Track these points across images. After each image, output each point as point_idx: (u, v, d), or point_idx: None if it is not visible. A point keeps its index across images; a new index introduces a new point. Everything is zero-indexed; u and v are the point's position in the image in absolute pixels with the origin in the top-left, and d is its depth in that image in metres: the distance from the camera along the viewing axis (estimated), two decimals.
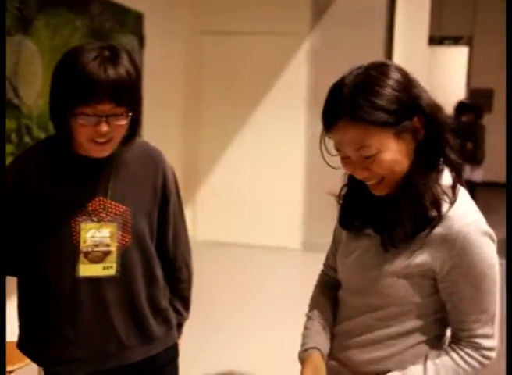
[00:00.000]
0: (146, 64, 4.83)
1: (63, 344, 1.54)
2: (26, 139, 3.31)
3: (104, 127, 1.36)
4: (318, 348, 1.37)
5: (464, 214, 1.21)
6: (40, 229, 1.49)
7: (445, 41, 9.51)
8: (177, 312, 1.74)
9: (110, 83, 1.33)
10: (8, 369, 2.21)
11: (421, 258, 1.23)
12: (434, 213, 1.20)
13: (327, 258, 1.54)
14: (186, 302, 1.78)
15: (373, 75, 1.19)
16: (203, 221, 6.00)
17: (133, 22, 4.62)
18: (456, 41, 9.73)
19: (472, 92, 9.64)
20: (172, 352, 1.74)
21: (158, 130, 5.30)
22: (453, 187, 1.23)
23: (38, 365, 1.66)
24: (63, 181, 1.49)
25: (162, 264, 1.67)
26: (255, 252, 5.67)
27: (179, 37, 5.63)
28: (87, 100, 1.32)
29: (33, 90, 3.35)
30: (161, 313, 1.68)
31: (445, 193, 1.22)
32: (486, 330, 1.23)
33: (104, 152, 1.45)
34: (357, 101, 1.16)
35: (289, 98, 5.70)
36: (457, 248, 1.20)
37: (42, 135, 3.36)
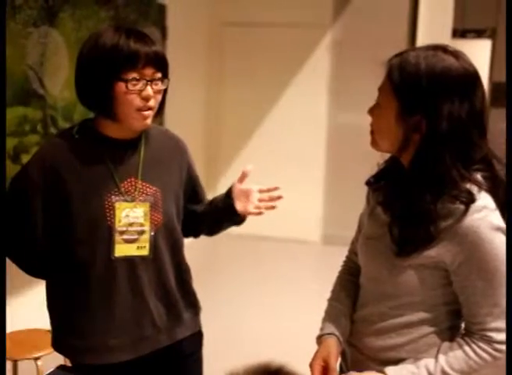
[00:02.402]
0: (168, 55, 4.84)
1: (99, 332, 1.55)
2: (52, 130, 3.35)
3: (150, 90, 1.46)
4: (334, 334, 1.41)
5: (476, 209, 1.21)
6: (75, 213, 1.51)
7: (468, 33, 9.39)
8: None
9: (152, 51, 1.45)
10: (35, 355, 2.25)
11: (434, 250, 1.24)
12: (444, 209, 1.22)
13: (352, 244, 1.57)
14: None
15: (430, 48, 1.25)
16: None
17: (156, 13, 4.64)
18: (479, 33, 9.61)
19: (495, 86, 9.52)
20: (198, 341, 1.78)
21: (181, 121, 5.32)
22: (468, 192, 1.22)
23: (74, 362, 1.64)
24: (94, 163, 1.52)
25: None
26: (275, 245, 5.68)
27: (201, 29, 5.64)
28: (135, 64, 1.43)
29: (58, 81, 3.39)
30: (189, 296, 1.72)
31: (462, 193, 1.22)
32: (499, 324, 1.24)
33: (146, 122, 1.51)
34: (396, 61, 1.25)
35: (311, 90, 5.68)
36: (468, 242, 1.21)
37: (67, 126, 3.39)
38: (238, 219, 1.70)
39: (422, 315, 1.32)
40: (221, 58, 5.93)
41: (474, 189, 1.23)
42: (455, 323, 1.35)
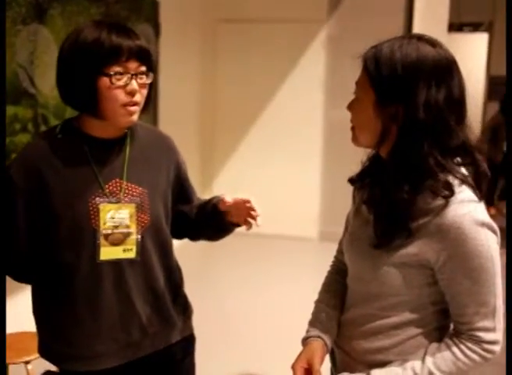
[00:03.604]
0: (162, 52, 4.80)
1: (85, 339, 1.52)
2: (43, 128, 3.31)
3: (135, 84, 1.42)
4: (319, 337, 1.39)
5: (459, 205, 1.18)
6: (58, 215, 1.46)
7: (464, 27, 9.34)
8: None
9: (135, 44, 1.42)
10: (25, 359, 2.21)
11: (417, 247, 1.21)
12: (425, 205, 1.19)
13: (340, 244, 1.54)
14: None
15: (405, 37, 1.23)
16: None
17: (149, 10, 4.59)
18: (475, 27, 9.56)
19: (492, 79, 9.48)
20: (190, 346, 1.74)
21: (174, 119, 5.28)
22: (447, 183, 1.19)
23: (61, 368, 1.60)
24: (78, 164, 1.48)
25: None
26: (272, 242, 5.65)
27: (195, 25, 5.59)
28: (118, 57, 1.39)
29: (49, 79, 3.34)
30: (180, 299, 1.68)
31: (441, 186, 1.19)
32: (487, 323, 1.21)
33: (132, 118, 1.47)
34: (371, 52, 1.24)
35: (306, 87, 5.65)
36: (451, 239, 1.18)
37: None
38: (229, 227, 1.65)
39: (409, 316, 1.28)
40: (215, 55, 5.89)
41: (455, 182, 1.20)
42: (443, 324, 1.31)
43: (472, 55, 9.59)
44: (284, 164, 5.83)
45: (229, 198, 1.53)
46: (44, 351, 1.60)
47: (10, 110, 3.08)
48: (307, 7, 5.55)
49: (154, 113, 4.81)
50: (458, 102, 1.22)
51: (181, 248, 4.93)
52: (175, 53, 5.11)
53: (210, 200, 1.69)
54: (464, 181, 1.21)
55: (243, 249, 5.48)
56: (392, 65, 1.19)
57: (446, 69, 1.21)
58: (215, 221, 1.63)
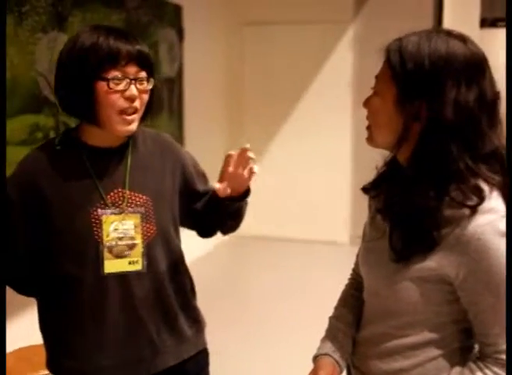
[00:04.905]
0: (186, 57, 4.76)
1: (92, 353, 1.47)
2: None
3: (134, 90, 1.38)
4: (329, 355, 1.30)
5: (481, 214, 1.07)
6: (59, 229, 1.43)
7: (498, 22, 9.09)
8: None
9: (134, 49, 1.38)
10: (41, 373, 2.16)
11: (435, 261, 1.10)
12: (449, 213, 1.09)
13: (357, 257, 1.43)
14: None
15: (433, 31, 1.14)
16: (249, 216, 5.88)
17: (172, 15, 4.56)
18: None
19: None
20: (203, 359, 1.67)
21: (200, 124, 5.24)
22: (477, 189, 1.08)
23: None
24: (77, 175, 1.44)
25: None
26: (303, 247, 5.58)
27: (220, 29, 5.55)
28: (116, 62, 1.35)
29: None
30: (191, 312, 1.62)
31: (470, 191, 1.08)
32: None
33: (131, 127, 1.42)
34: (395, 44, 1.14)
35: (333, 88, 5.55)
36: (472, 251, 1.07)
37: None
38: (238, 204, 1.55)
39: (428, 335, 1.17)
40: (241, 59, 5.83)
41: (485, 187, 1.09)
42: (467, 344, 1.20)
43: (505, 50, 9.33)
44: (313, 167, 5.74)
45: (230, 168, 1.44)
46: (52, 366, 1.56)
47: (31, 119, 3.07)
48: (333, 7, 5.45)
49: (180, 120, 4.78)
50: (490, 104, 1.12)
51: (208, 253, 4.90)
52: (199, 58, 5.07)
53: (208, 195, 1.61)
54: (494, 186, 1.10)
55: (274, 254, 5.41)
56: (419, 59, 1.10)
57: (478, 67, 1.11)
58: (222, 209, 1.54)
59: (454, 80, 1.08)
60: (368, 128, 1.21)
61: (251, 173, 1.46)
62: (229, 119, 5.87)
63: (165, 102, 4.45)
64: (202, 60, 5.15)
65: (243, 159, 1.44)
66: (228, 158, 1.44)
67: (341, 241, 5.64)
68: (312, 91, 5.67)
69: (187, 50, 4.78)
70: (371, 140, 1.22)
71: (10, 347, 1.85)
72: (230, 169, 1.45)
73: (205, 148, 5.32)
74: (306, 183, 5.78)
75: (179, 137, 4.75)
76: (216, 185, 1.46)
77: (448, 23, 5.25)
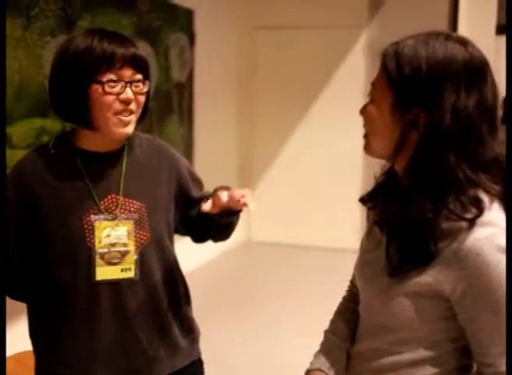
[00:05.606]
0: (197, 61, 4.74)
1: (83, 361, 1.44)
2: None
3: (129, 92, 1.36)
4: (322, 371, 1.26)
5: (479, 227, 1.02)
6: (51, 233, 1.41)
7: None
8: None
9: (129, 52, 1.37)
10: None
11: (431, 276, 1.06)
12: (447, 225, 1.04)
13: (354, 269, 1.37)
14: None
15: (432, 34, 1.09)
16: (259, 222, 5.87)
17: (183, 19, 4.54)
18: None
19: None
20: (198, 369, 1.64)
21: (212, 128, 5.22)
22: (476, 201, 1.04)
23: None
24: (71, 180, 1.43)
25: None
26: (314, 254, 5.54)
27: (232, 34, 5.53)
28: (111, 64, 1.34)
29: None
30: (185, 321, 1.58)
31: (468, 203, 1.03)
32: None
33: (127, 129, 1.40)
34: (392, 49, 1.10)
35: (346, 93, 5.49)
36: (470, 267, 1.02)
37: None
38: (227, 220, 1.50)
39: (424, 353, 1.12)
40: (252, 64, 5.80)
41: (485, 198, 1.04)
42: (465, 363, 1.14)
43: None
44: (325, 174, 5.70)
45: (224, 197, 1.38)
46: (42, 373, 1.53)
47: (37, 123, 3.06)
48: (347, 12, 5.41)
49: (190, 125, 4.75)
50: (491, 110, 1.07)
51: (217, 259, 4.86)
52: (211, 63, 5.04)
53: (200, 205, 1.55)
54: (494, 196, 1.05)
55: (284, 261, 5.37)
56: (416, 63, 1.05)
57: (478, 72, 1.06)
58: (211, 222, 1.50)
59: (453, 85, 1.03)
60: (365, 137, 1.17)
61: (245, 205, 1.39)
62: (240, 124, 5.84)
63: (176, 107, 4.43)
64: (213, 65, 5.13)
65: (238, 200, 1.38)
66: (217, 198, 1.39)
67: (351, 248, 5.57)
68: (325, 97, 5.63)
69: (198, 55, 4.76)
70: (368, 149, 1.17)
71: (10, 351, 1.83)
72: (222, 201, 1.39)
73: (216, 154, 5.30)
74: (317, 188, 5.74)
75: (190, 142, 4.72)
76: (203, 206, 1.43)
77: (464, 29, 5.18)
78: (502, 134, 1.10)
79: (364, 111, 1.16)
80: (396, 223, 1.11)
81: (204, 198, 1.53)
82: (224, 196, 1.38)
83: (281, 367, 3.30)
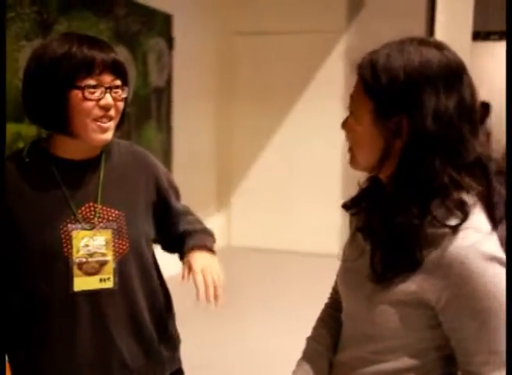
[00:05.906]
0: (176, 66, 4.72)
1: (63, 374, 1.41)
2: None
3: (109, 98, 1.35)
4: None
5: (464, 235, 1.01)
6: (27, 244, 1.37)
7: (491, 35, 9.10)
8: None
9: (109, 58, 1.35)
10: None
11: (415, 284, 1.04)
12: (431, 230, 1.03)
13: (337, 276, 1.36)
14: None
15: (405, 41, 1.08)
16: (238, 226, 5.86)
17: (161, 24, 4.51)
18: (503, 35, 9.31)
19: None
20: None
21: (191, 133, 5.19)
22: (461, 204, 1.03)
23: None
24: (47, 189, 1.39)
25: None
26: (293, 259, 5.52)
27: (211, 39, 5.51)
28: (91, 70, 1.32)
29: None
30: (166, 330, 1.56)
31: (453, 206, 1.03)
32: None
33: (106, 136, 1.37)
34: (366, 58, 1.10)
35: (325, 99, 5.51)
36: (454, 275, 1.01)
37: None
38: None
39: (408, 361, 1.11)
40: (232, 69, 5.79)
41: (469, 200, 1.04)
42: (449, 371, 1.13)
43: (500, 64, 9.35)
44: (304, 179, 5.70)
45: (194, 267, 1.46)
46: None
47: (13, 128, 3.01)
48: (325, 17, 5.43)
49: (168, 129, 4.72)
50: (470, 110, 1.07)
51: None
52: (190, 67, 5.02)
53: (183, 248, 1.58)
54: (477, 200, 1.05)
55: (262, 266, 5.35)
56: (393, 71, 1.05)
57: (455, 74, 1.07)
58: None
59: (432, 87, 1.03)
60: (350, 150, 1.16)
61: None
62: (219, 129, 5.82)
63: (154, 112, 4.40)
64: (192, 69, 5.11)
65: None
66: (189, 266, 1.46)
67: (332, 253, 5.58)
68: (303, 102, 5.64)
69: (177, 59, 4.73)
70: (353, 162, 1.16)
71: None
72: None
73: (194, 159, 5.27)
74: (296, 193, 5.74)
75: (168, 148, 4.69)
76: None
77: (441, 35, 5.24)
78: (481, 136, 1.10)
79: (345, 124, 1.16)
80: (380, 229, 1.10)
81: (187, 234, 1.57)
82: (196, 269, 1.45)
83: (260, 372, 3.28)
